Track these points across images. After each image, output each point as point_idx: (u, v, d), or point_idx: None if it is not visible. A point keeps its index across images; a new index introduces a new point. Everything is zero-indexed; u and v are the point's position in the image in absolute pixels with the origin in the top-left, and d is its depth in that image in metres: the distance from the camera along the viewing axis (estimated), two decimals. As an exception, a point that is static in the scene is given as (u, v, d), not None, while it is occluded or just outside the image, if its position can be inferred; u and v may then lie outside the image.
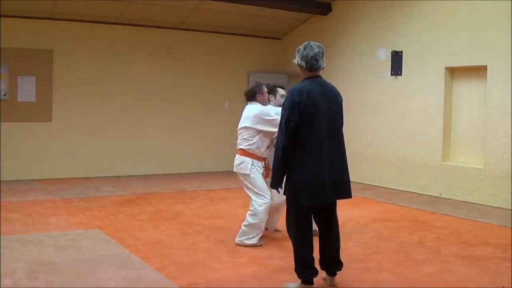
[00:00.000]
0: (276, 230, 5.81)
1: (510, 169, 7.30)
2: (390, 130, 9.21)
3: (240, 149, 5.32)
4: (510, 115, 7.31)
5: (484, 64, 7.67)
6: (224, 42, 11.12)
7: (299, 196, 3.81)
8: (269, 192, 5.22)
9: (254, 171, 5.23)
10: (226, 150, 10.34)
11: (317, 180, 3.78)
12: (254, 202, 5.20)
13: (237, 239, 5.25)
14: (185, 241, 5.37)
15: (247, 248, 5.12)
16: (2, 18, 8.88)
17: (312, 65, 3.89)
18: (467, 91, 8.21)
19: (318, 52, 3.89)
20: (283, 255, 4.94)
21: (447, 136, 8.37)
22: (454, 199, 8.03)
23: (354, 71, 9.95)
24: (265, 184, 5.25)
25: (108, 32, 9.96)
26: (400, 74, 9.03)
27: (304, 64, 3.89)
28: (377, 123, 9.46)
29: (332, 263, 4.07)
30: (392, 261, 4.82)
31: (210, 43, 10.99)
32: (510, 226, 6.23)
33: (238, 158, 5.31)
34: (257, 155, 5.27)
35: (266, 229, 5.60)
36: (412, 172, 8.80)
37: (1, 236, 5.29)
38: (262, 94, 5.45)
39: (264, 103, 5.44)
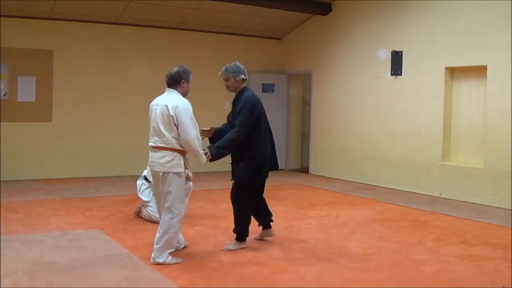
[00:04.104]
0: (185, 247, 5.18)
1: (510, 169, 7.30)
2: (390, 130, 9.21)
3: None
4: (510, 115, 7.32)
5: (484, 64, 7.66)
6: (224, 42, 11.12)
7: (261, 172, 5.08)
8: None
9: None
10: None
11: (268, 160, 5.17)
12: (175, 210, 4.63)
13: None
14: (185, 241, 5.36)
15: (247, 248, 5.12)
16: (2, 18, 8.88)
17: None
18: (467, 91, 8.21)
19: None
20: (283, 255, 4.95)
21: (447, 136, 8.36)
22: (454, 199, 8.03)
23: (354, 71, 9.95)
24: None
25: (108, 32, 9.96)
26: (400, 74, 9.03)
27: (247, 78, 5.23)
28: (377, 123, 9.46)
29: (268, 218, 5.41)
30: (392, 261, 4.82)
31: (210, 43, 10.98)
32: (510, 226, 6.23)
33: (168, 154, 4.59)
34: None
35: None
36: (412, 172, 8.80)
37: (1, 236, 5.29)
38: (188, 82, 4.82)
39: (185, 94, 4.81)
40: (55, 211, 6.79)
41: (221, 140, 4.95)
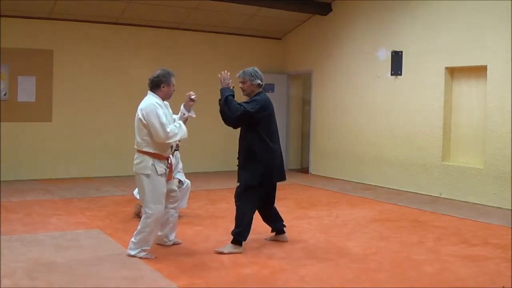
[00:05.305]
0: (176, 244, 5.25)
1: (510, 169, 7.30)
2: (390, 130, 9.21)
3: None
4: (510, 115, 7.32)
5: (484, 64, 7.67)
6: (224, 42, 11.12)
7: (268, 177, 5.10)
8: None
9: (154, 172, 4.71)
10: (226, 150, 10.36)
11: (277, 166, 5.16)
12: (149, 210, 4.75)
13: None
14: (185, 241, 5.36)
15: (247, 248, 5.12)
16: (2, 18, 8.88)
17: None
18: (467, 91, 8.21)
19: None
20: (283, 255, 4.95)
21: (447, 136, 8.37)
22: (454, 199, 8.03)
23: (354, 71, 9.95)
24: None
25: (108, 32, 9.95)
26: (400, 74, 9.03)
27: (263, 83, 5.26)
28: (377, 123, 9.46)
29: (281, 224, 5.47)
30: (392, 261, 4.82)
31: (210, 43, 10.98)
32: (510, 226, 6.23)
33: (139, 156, 4.74)
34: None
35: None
36: (412, 172, 8.80)
37: (1, 236, 5.29)
38: (168, 85, 4.83)
39: (167, 97, 4.88)
40: (55, 211, 6.79)
41: (233, 100, 5.18)
